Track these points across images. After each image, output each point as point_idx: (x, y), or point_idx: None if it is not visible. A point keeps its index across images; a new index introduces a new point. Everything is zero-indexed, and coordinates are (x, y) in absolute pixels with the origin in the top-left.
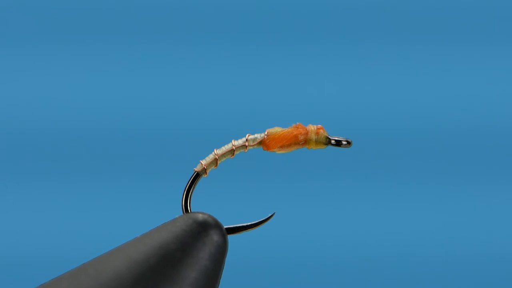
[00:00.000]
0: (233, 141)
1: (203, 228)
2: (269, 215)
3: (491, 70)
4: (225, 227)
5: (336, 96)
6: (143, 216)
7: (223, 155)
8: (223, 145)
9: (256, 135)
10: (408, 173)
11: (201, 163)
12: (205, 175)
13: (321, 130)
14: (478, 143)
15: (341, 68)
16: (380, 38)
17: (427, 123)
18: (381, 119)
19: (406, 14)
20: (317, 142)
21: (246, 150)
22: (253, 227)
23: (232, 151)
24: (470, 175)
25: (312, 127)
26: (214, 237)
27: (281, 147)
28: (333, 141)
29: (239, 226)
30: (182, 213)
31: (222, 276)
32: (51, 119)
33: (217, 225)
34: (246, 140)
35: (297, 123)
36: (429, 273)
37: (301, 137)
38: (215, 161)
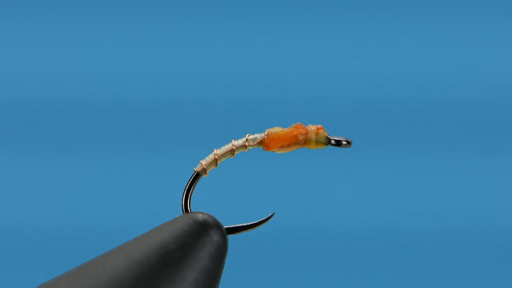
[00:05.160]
0: (233, 141)
1: (203, 228)
2: (269, 215)
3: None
4: (225, 227)
5: (339, 73)
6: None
7: (223, 155)
8: (223, 144)
9: (256, 135)
10: (419, 146)
11: (201, 163)
12: (205, 175)
13: (321, 130)
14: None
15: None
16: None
17: (441, 95)
18: (396, 91)
19: None
20: (317, 142)
21: (246, 150)
22: (253, 227)
23: (232, 151)
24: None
25: (312, 127)
26: (214, 237)
27: (281, 147)
28: (333, 141)
29: (239, 226)
30: (182, 213)
31: (222, 276)
32: (74, 92)
33: (217, 225)
34: (246, 140)
35: (297, 123)
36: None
37: (301, 137)
38: (215, 161)
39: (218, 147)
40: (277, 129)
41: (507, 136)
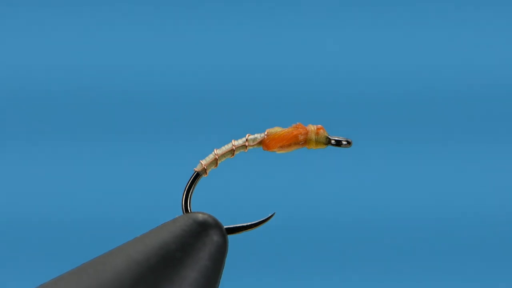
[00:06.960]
0: (233, 141)
1: (203, 228)
2: (269, 215)
3: None
4: (225, 227)
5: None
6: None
7: (223, 155)
8: (223, 144)
9: (256, 135)
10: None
11: (201, 163)
12: (205, 175)
13: (321, 130)
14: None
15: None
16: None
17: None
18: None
19: None
20: (317, 142)
21: (246, 150)
22: (253, 227)
23: (232, 151)
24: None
25: (312, 127)
26: (214, 237)
27: (281, 147)
28: (333, 141)
29: (239, 226)
30: (182, 213)
31: (222, 276)
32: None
33: (217, 225)
34: (246, 140)
35: (297, 123)
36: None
37: (301, 137)
38: (215, 161)
39: (218, 147)
40: (277, 129)
41: (509, 128)
